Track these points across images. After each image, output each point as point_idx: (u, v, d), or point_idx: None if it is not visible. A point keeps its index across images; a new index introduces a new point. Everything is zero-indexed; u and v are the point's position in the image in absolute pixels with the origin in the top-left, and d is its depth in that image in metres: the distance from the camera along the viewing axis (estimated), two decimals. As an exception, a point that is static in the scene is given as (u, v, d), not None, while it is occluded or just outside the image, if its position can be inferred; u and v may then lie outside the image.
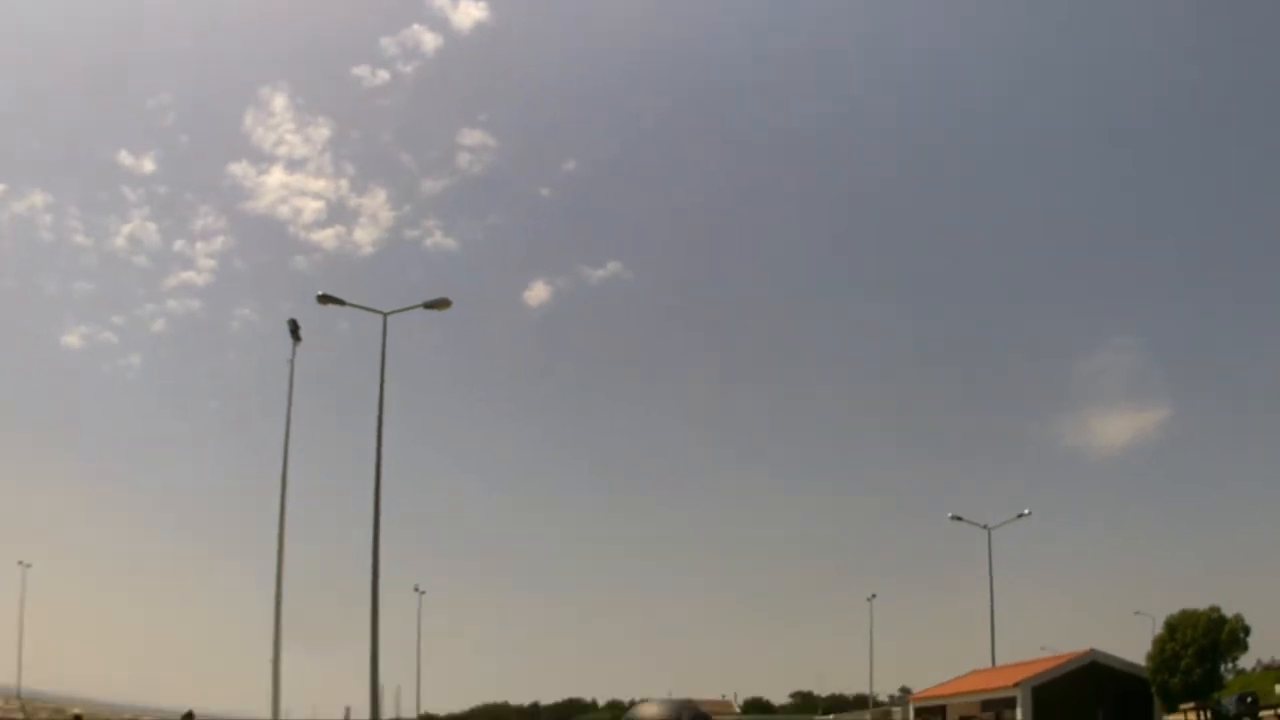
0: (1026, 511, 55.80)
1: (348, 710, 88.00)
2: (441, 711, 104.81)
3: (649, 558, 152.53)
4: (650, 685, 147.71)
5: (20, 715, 63.02)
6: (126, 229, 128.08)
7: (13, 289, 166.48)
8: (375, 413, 31.36)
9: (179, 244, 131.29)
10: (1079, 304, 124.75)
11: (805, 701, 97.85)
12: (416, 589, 79.61)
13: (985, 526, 53.35)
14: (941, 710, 50.25)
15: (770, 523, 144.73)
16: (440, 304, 32.76)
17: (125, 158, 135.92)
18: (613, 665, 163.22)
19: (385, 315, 32.26)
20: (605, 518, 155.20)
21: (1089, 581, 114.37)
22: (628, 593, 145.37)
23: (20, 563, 78.51)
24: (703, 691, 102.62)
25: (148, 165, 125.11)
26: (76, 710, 61.75)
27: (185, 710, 29.68)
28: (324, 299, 32.63)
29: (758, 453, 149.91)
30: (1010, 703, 43.48)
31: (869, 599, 71.16)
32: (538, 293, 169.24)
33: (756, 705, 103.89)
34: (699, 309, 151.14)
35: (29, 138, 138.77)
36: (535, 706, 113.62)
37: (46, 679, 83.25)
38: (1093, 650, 44.96)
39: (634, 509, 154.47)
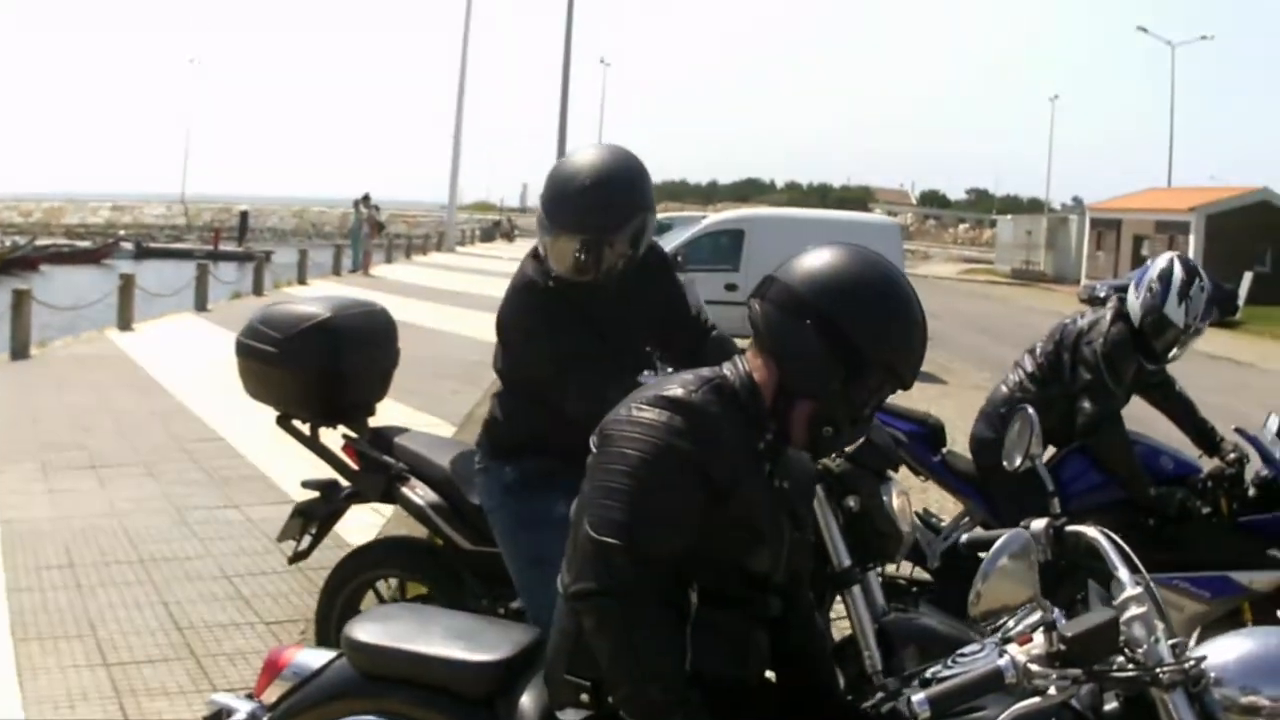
0: (1210, 35, 51.70)
1: (524, 187, 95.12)
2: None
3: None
4: (823, 172, 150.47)
5: (183, 220, 62.00)
6: None
7: None
8: None
9: None
10: None
11: (980, 199, 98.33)
12: (602, 61, 77.88)
13: (1169, 42, 50.26)
14: (1117, 224, 48.89)
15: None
16: None
17: None
18: (793, 148, 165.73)
19: None
20: None
21: (1265, 116, 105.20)
22: (818, 67, 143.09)
23: (190, 60, 78.37)
24: (882, 180, 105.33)
25: None
26: (242, 207, 59.81)
27: (361, 194, 27.72)
28: None
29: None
30: (1184, 228, 42.45)
31: (1051, 99, 68.67)
32: None
33: (932, 197, 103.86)
34: None
35: None
36: (713, 185, 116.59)
37: (210, 180, 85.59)
38: (1265, 188, 42.85)
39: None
